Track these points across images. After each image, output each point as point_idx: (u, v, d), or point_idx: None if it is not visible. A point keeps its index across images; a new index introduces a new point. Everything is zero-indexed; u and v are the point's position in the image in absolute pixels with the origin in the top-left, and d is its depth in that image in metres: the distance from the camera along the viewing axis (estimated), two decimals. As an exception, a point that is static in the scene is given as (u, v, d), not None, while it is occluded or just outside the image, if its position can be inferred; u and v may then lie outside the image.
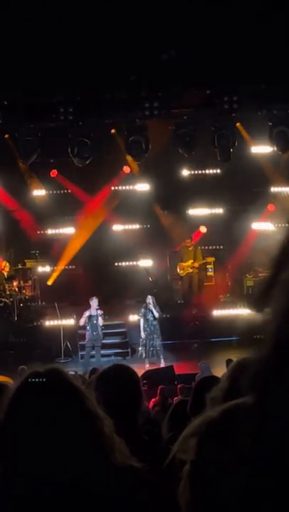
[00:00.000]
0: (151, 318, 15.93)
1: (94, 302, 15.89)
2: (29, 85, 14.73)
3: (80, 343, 16.68)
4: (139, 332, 16.02)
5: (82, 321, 15.88)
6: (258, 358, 1.17)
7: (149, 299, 15.98)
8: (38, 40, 13.96)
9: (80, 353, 16.50)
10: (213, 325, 17.23)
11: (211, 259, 19.25)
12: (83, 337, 16.67)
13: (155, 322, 15.94)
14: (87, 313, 15.81)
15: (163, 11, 14.28)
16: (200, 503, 1.40)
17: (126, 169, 18.69)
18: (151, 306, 15.88)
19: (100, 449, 1.87)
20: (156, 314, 15.85)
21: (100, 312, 15.86)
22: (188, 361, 15.28)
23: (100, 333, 16.01)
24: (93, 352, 15.93)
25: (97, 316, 15.82)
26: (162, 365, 15.20)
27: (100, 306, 16.10)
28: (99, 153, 16.99)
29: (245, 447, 1.16)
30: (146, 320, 15.96)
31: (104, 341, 16.88)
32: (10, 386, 1.99)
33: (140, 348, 16.08)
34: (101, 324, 15.97)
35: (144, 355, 15.88)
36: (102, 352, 16.41)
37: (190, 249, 18.96)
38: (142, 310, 16.06)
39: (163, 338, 16.19)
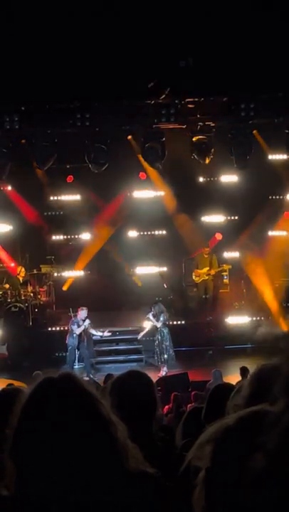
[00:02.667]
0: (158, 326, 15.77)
1: (83, 313, 15.68)
2: (47, 91, 14.81)
3: (95, 348, 16.69)
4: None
5: (79, 330, 15.63)
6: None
7: (153, 310, 15.78)
8: (56, 47, 14.05)
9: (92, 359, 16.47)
10: (227, 332, 17.19)
11: (228, 267, 19.16)
12: (97, 343, 16.69)
13: (163, 330, 15.77)
14: (87, 323, 15.61)
15: (181, 19, 14.34)
16: (215, 510, 1.39)
17: (142, 175, 18.67)
18: (150, 316, 15.74)
19: (113, 455, 1.86)
20: (158, 324, 15.67)
21: (87, 322, 15.67)
22: (203, 368, 15.22)
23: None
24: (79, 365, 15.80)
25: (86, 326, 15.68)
26: (164, 372, 15.07)
27: (115, 312, 16.07)
28: (115, 159, 17.00)
29: (269, 452, 1.14)
30: (156, 328, 15.83)
31: (118, 347, 16.84)
32: (24, 391, 1.99)
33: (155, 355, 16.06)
34: (95, 332, 15.91)
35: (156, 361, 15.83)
36: (117, 358, 16.39)
37: (206, 256, 18.92)
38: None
39: (178, 345, 16.10)
